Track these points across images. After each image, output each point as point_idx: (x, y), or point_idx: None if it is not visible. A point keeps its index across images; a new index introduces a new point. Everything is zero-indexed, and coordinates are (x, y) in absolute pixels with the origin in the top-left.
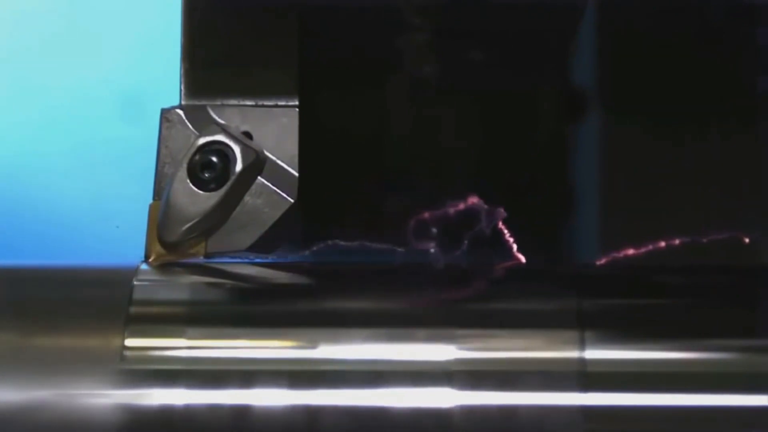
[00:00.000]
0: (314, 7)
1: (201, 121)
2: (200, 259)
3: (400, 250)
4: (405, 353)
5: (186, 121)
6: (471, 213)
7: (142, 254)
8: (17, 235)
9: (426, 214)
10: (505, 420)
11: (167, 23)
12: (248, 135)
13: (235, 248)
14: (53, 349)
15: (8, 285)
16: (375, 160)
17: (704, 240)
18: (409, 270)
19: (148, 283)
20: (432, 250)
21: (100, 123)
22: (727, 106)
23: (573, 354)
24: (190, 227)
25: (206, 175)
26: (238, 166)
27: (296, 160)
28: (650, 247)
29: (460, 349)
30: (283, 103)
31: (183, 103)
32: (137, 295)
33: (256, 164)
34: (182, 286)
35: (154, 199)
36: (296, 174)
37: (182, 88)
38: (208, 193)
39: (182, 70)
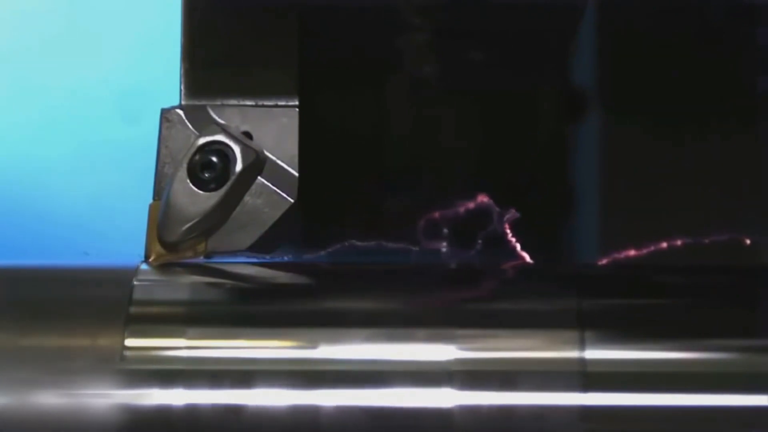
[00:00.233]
0: (314, 7)
1: (201, 121)
2: (200, 259)
3: (415, 249)
4: (405, 353)
5: (186, 121)
6: (481, 212)
7: (142, 254)
8: (17, 235)
9: (436, 214)
10: (505, 420)
11: (167, 23)
12: (248, 135)
13: (235, 248)
14: (53, 349)
15: (8, 285)
16: (375, 160)
17: (706, 241)
18: (410, 270)
19: (148, 283)
20: (444, 249)
21: (100, 123)
22: (727, 106)
23: (573, 354)
24: (190, 227)
25: (206, 175)
26: (238, 166)
27: (296, 160)
28: (652, 248)
29: (460, 349)
30: (283, 103)
31: (183, 103)
32: (137, 295)
33: (256, 164)
34: (182, 286)
35: (154, 199)
36: (296, 174)
37: (182, 88)
38: (208, 193)
39: (182, 70)
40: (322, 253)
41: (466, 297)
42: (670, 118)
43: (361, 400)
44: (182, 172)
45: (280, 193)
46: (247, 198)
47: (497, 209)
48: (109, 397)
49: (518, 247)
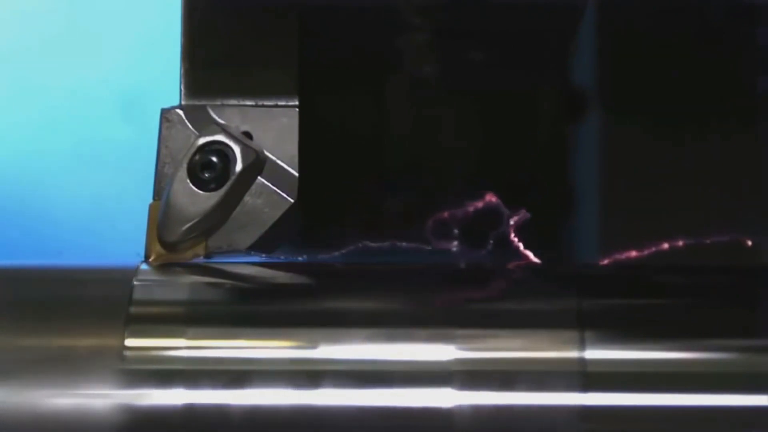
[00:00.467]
0: (314, 7)
1: (201, 121)
2: (200, 259)
3: (428, 248)
4: (405, 353)
5: (186, 121)
6: (490, 212)
7: (142, 254)
8: (17, 235)
9: (445, 213)
10: (505, 420)
11: (167, 23)
12: (248, 135)
13: (235, 248)
14: (53, 349)
15: (8, 285)
16: (375, 160)
17: (707, 241)
18: (410, 270)
19: (148, 283)
20: (454, 249)
21: (100, 123)
22: (727, 106)
23: (573, 354)
24: (190, 227)
25: (206, 175)
26: (238, 166)
27: (296, 160)
28: (653, 248)
29: (460, 349)
30: (283, 103)
31: (183, 103)
32: (137, 295)
33: (256, 164)
34: (182, 286)
35: (154, 199)
36: (296, 174)
37: (182, 88)
38: (208, 193)
39: (182, 70)
40: (336, 254)
41: (466, 297)
42: (670, 118)
43: (361, 400)
44: (182, 172)
45: (280, 193)
46: (247, 198)
47: (506, 209)
48: (109, 397)
49: (521, 246)
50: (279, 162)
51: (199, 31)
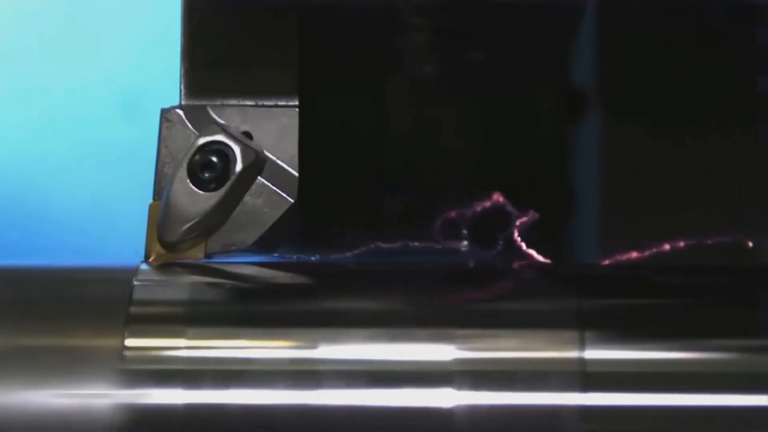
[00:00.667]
0: (314, 7)
1: (201, 121)
2: (200, 259)
3: (438, 247)
4: (405, 353)
5: (186, 121)
6: (498, 212)
7: (142, 254)
8: (17, 235)
9: (453, 213)
10: (505, 420)
11: (167, 23)
12: (248, 135)
13: (235, 248)
14: (53, 349)
15: (8, 285)
16: (375, 160)
17: (709, 242)
18: (410, 270)
19: (148, 283)
20: (464, 249)
21: (100, 123)
22: (727, 106)
23: (573, 354)
24: (190, 227)
25: (206, 175)
26: (238, 166)
27: (296, 160)
28: (654, 249)
29: (460, 349)
30: (283, 103)
31: (183, 103)
32: (137, 295)
33: (256, 164)
34: (182, 286)
35: (154, 199)
36: (296, 174)
37: (182, 88)
38: (208, 193)
39: (182, 70)
40: (349, 254)
41: (466, 297)
42: (670, 118)
43: (361, 400)
44: (182, 172)
45: (280, 193)
46: (247, 198)
47: (514, 209)
48: (109, 397)
49: (524, 245)
50: (279, 162)
51: (199, 31)
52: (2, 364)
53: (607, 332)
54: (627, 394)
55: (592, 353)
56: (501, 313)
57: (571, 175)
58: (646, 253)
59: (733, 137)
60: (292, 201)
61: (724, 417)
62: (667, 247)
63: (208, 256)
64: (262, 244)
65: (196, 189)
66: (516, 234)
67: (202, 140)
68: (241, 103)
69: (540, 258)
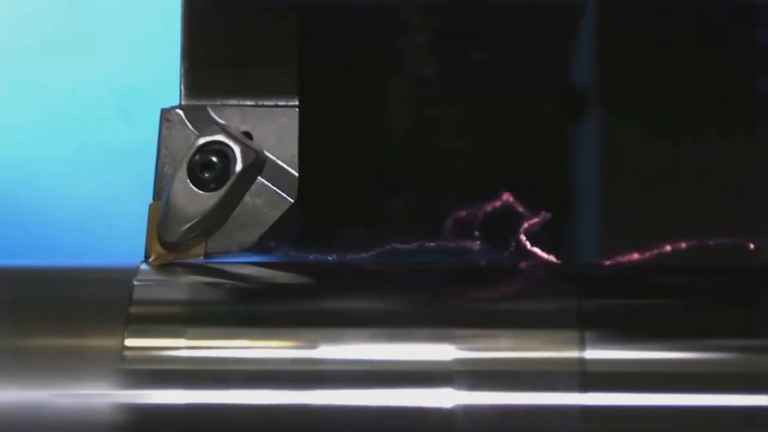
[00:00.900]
0: (314, 7)
1: (201, 121)
2: (200, 259)
3: (452, 246)
4: (405, 353)
5: (186, 121)
6: (507, 212)
7: (142, 254)
8: (17, 235)
9: (463, 213)
10: (505, 420)
11: (167, 23)
12: (248, 135)
13: (235, 248)
14: (53, 349)
15: (8, 285)
16: (375, 160)
17: (711, 244)
18: (410, 270)
19: (148, 283)
20: (476, 248)
21: (100, 123)
22: (727, 106)
23: (573, 354)
24: (190, 227)
25: (206, 175)
26: (238, 166)
27: (296, 160)
28: (655, 251)
29: (460, 349)
30: (283, 103)
31: (183, 103)
32: (137, 295)
33: (256, 164)
34: (182, 286)
35: (154, 199)
36: (296, 174)
37: (182, 88)
38: (208, 193)
39: (182, 70)
40: (365, 255)
41: (466, 297)
42: (670, 118)
43: (361, 400)
44: (182, 172)
45: (280, 193)
46: (247, 198)
47: (523, 209)
48: (109, 397)
49: (528, 244)
50: (279, 162)
51: (199, 31)
52: (2, 364)
53: (607, 332)
54: (627, 394)
55: (592, 353)
56: (501, 313)
57: (571, 175)
58: (647, 254)
59: (733, 137)
60: (292, 201)
61: (724, 417)
62: (668, 248)
63: (208, 256)
64: (260, 244)
65: (196, 189)
66: (522, 234)
67: (202, 140)
68: (241, 103)
69: (545, 257)
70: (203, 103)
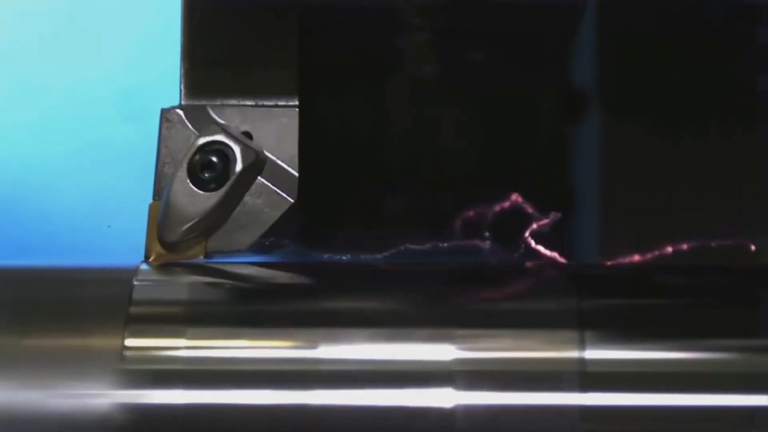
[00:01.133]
0: (314, 7)
1: (201, 121)
2: (200, 259)
3: (463, 245)
4: (405, 353)
5: (186, 121)
6: (516, 212)
7: (142, 254)
8: (17, 235)
9: (471, 213)
10: (505, 420)
11: (167, 23)
12: (248, 135)
13: (235, 248)
14: (53, 349)
15: (8, 285)
16: (375, 160)
17: (712, 245)
18: (409, 270)
19: (148, 283)
20: (486, 247)
21: (100, 123)
22: (727, 106)
23: (573, 354)
24: (190, 227)
25: (206, 175)
26: (238, 166)
27: (296, 160)
28: (656, 252)
29: (460, 349)
30: (283, 103)
31: (183, 103)
32: (137, 295)
33: (256, 164)
34: (182, 286)
35: (154, 199)
36: (296, 174)
37: (182, 88)
38: (208, 193)
39: (182, 70)
40: (379, 256)
41: (466, 297)
42: (670, 118)
43: (361, 400)
44: (182, 172)
45: (280, 193)
46: (247, 198)
47: (532, 210)
48: (109, 397)
49: (533, 243)
50: (279, 162)
51: (199, 31)
52: (2, 364)
53: (607, 332)
54: (627, 394)
55: (592, 353)
56: (501, 313)
57: (571, 175)
58: (648, 255)
59: (733, 137)
60: (292, 201)
61: (724, 417)
62: (669, 249)
63: (208, 256)
64: (260, 244)
65: (196, 189)
66: (528, 234)
67: (202, 140)
68: (241, 103)
69: (550, 255)
70: (203, 103)
